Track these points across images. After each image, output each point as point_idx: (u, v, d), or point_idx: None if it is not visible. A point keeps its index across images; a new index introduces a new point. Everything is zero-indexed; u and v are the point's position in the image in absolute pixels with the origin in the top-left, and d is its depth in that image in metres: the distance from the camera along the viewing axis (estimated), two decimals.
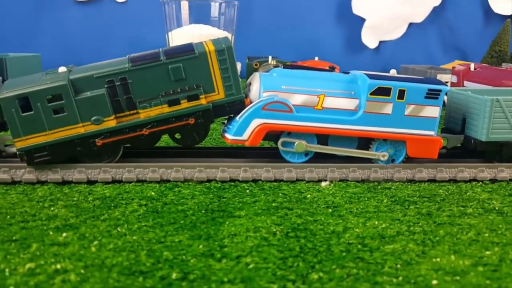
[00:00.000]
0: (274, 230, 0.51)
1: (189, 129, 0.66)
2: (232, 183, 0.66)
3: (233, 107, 0.67)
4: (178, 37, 1.15)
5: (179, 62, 0.64)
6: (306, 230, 0.51)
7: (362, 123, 0.68)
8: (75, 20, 1.84)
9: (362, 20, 1.90)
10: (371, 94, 0.67)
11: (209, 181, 0.67)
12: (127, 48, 1.86)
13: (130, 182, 0.65)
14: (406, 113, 0.68)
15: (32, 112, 0.60)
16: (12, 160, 0.66)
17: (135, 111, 0.64)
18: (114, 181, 0.65)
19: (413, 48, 1.97)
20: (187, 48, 0.65)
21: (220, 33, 1.15)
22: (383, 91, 0.67)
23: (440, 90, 0.68)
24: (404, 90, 0.67)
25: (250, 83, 0.71)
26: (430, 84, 0.68)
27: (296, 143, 0.68)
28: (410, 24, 1.94)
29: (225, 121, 0.73)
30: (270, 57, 1.28)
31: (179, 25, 1.14)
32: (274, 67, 1.11)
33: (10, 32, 1.81)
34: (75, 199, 0.59)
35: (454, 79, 1.29)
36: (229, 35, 1.17)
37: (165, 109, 0.64)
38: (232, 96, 0.67)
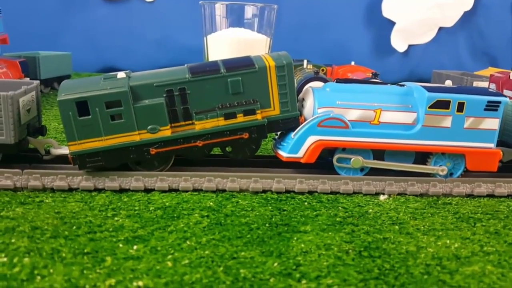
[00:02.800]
0: (346, 248, 0.50)
1: (242, 143, 0.65)
2: (289, 195, 0.65)
3: (287, 123, 0.66)
4: (216, 40, 1.14)
5: (239, 75, 0.63)
6: (379, 249, 0.50)
7: (421, 137, 0.66)
8: (103, 19, 1.84)
9: (392, 23, 1.88)
10: (429, 107, 0.66)
11: (264, 191, 0.66)
12: (155, 47, 1.87)
13: (187, 191, 0.64)
14: (465, 126, 0.67)
15: (89, 117, 0.60)
16: (66, 166, 0.66)
17: (190, 121, 0.63)
18: (170, 190, 0.64)
19: (442, 53, 1.94)
20: (248, 62, 0.64)
21: (259, 37, 1.14)
22: (442, 104, 0.66)
23: (499, 102, 0.66)
24: (464, 103, 0.66)
25: (303, 99, 0.69)
26: (489, 95, 0.67)
27: (352, 159, 0.66)
28: (440, 29, 1.92)
29: (276, 136, 0.71)
30: (305, 61, 1.26)
31: (217, 28, 1.13)
32: (314, 72, 1.10)
33: (39, 29, 1.81)
34: (136, 208, 0.58)
35: (493, 87, 1.26)
36: (267, 39, 1.16)
37: (220, 122, 0.63)
38: (288, 113, 0.65)
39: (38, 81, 0.70)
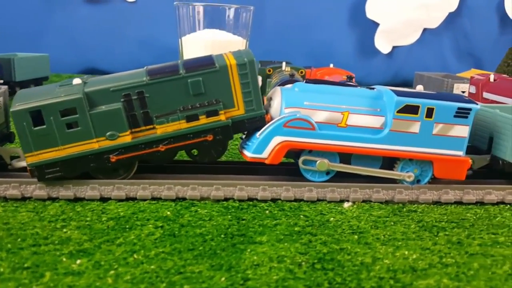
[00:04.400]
0: (299, 260, 0.48)
1: (207, 145, 0.63)
2: (251, 203, 0.63)
3: (253, 123, 0.64)
4: (191, 42, 1.12)
5: (199, 76, 0.61)
6: (333, 261, 0.48)
7: (388, 142, 0.65)
8: (85, 19, 1.81)
9: (376, 24, 1.86)
10: (398, 112, 0.64)
11: (226, 199, 0.64)
12: (137, 47, 1.84)
13: (145, 200, 0.62)
14: (434, 132, 0.65)
15: (44, 126, 0.58)
16: (22, 174, 0.64)
17: (151, 126, 0.62)
18: (128, 199, 0.62)
19: (427, 54, 1.93)
20: (208, 61, 0.62)
21: (235, 39, 1.12)
22: (410, 109, 0.64)
23: (470, 109, 0.65)
24: (433, 109, 0.64)
25: (271, 98, 0.68)
26: (460, 102, 0.65)
27: (318, 161, 0.65)
28: (425, 30, 1.90)
29: (243, 136, 0.70)
30: (284, 63, 1.25)
31: (192, 29, 1.11)
32: (290, 75, 1.08)
33: (19, 30, 1.79)
34: (88, 219, 0.56)
35: (473, 89, 1.25)
36: (243, 41, 1.14)
37: (182, 125, 0.62)
38: (253, 112, 0.64)
39: (6, 87, 0.68)
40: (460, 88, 1.37)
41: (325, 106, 0.65)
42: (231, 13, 1.10)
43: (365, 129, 0.65)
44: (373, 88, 0.69)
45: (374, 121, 0.65)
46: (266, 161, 0.64)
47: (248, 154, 0.64)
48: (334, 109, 0.65)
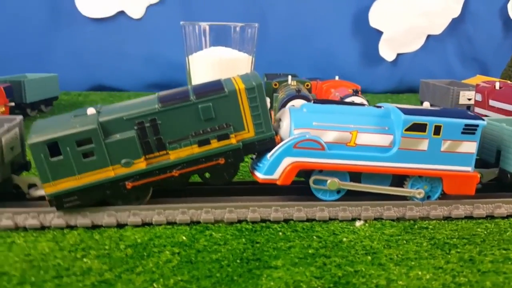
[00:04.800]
0: (315, 285, 0.49)
1: (219, 168, 0.65)
2: (264, 224, 0.65)
3: (263, 144, 0.66)
4: (198, 60, 1.13)
5: (209, 101, 0.63)
6: (349, 285, 0.49)
7: (397, 160, 0.66)
8: (91, 37, 1.84)
9: (379, 32, 1.88)
10: (406, 130, 0.65)
11: (239, 221, 0.65)
12: (143, 64, 1.87)
13: (160, 225, 0.64)
14: (442, 149, 0.66)
15: (61, 157, 0.59)
16: (40, 203, 0.65)
17: (164, 151, 0.63)
18: (144, 224, 0.64)
19: (431, 61, 1.94)
20: (217, 87, 0.64)
21: (241, 56, 1.14)
22: (418, 127, 0.65)
23: (477, 125, 0.66)
24: (440, 126, 0.65)
25: (280, 119, 0.69)
26: (467, 119, 0.66)
27: (328, 181, 0.66)
28: (428, 36, 1.92)
29: (253, 157, 0.71)
30: (289, 77, 1.26)
31: (199, 48, 1.13)
32: (297, 90, 1.09)
33: (26, 50, 1.82)
34: (106, 247, 0.57)
35: (479, 97, 1.26)
36: (249, 57, 1.16)
37: (195, 150, 0.63)
38: (262, 134, 0.65)
39: (21, 117, 0.70)
40: (466, 96, 1.38)
41: (334, 126, 0.66)
42: (236, 31, 1.12)
43: (374, 148, 0.66)
44: (380, 107, 0.70)
45: (382, 140, 0.66)
46: (278, 182, 0.65)
47: (260, 175, 0.65)
48: (342, 128, 0.66)
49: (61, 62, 1.83)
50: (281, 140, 0.66)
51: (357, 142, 0.66)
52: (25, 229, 0.62)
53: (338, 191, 0.67)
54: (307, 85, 1.26)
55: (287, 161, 0.64)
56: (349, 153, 0.65)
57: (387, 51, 1.90)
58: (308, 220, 0.66)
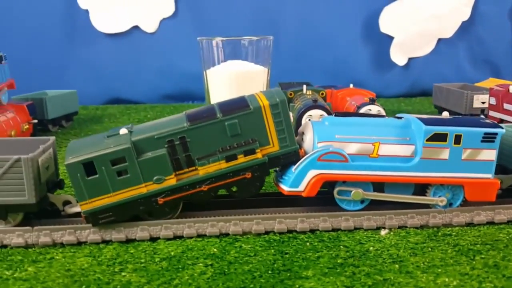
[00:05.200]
0: None
1: (246, 182, 0.67)
2: (291, 235, 0.67)
3: (288, 158, 0.68)
4: (215, 74, 1.16)
5: (235, 118, 0.65)
6: None
7: (419, 170, 0.67)
8: (106, 52, 1.88)
9: (390, 38, 1.89)
10: (427, 140, 0.67)
11: (267, 232, 0.67)
12: (158, 76, 1.91)
13: (191, 238, 0.66)
14: (463, 157, 0.68)
15: (96, 176, 0.62)
16: (74, 220, 0.68)
17: (193, 167, 0.66)
18: (175, 237, 0.66)
19: (443, 64, 1.95)
20: (242, 104, 0.66)
21: (257, 68, 1.16)
22: (439, 137, 0.67)
23: (496, 134, 0.68)
24: (461, 135, 0.67)
25: (303, 133, 0.71)
26: (486, 127, 0.68)
27: (352, 192, 0.68)
28: (439, 40, 1.93)
29: (277, 169, 0.73)
30: (304, 86, 1.28)
31: (216, 62, 1.16)
32: (313, 100, 1.11)
33: (44, 66, 1.86)
34: (142, 260, 0.60)
35: (493, 101, 1.27)
36: (265, 69, 1.19)
37: (222, 165, 0.65)
38: (287, 148, 0.67)
39: (53, 138, 0.72)
40: (480, 99, 1.39)
41: (356, 138, 0.68)
42: (252, 44, 1.15)
43: (397, 158, 0.68)
44: (400, 117, 0.72)
45: (404, 150, 0.68)
46: (303, 194, 0.67)
47: (285, 188, 0.67)
48: (365, 140, 0.68)
49: (77, 77, 1.88)
50: (305, 153, 0.69)
51: (379, 153, 0.68)
52: (62, 245, 0.65)
53: (362, 201, 0.69)
54: (322, 94, 1.27)
55: (311, 173, 0.67)
56: (372, 164, 0.67)
57: (399, 56, 1.91)
58: (333, 230, 0.68)
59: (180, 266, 0.58)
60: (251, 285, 0.53)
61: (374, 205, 0.70)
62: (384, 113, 1.05)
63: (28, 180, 0.63)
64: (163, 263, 0.59)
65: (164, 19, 1.87)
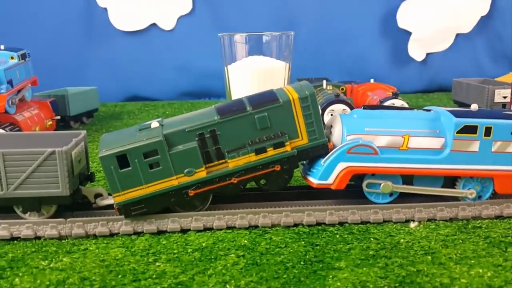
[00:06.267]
0: (382, 285, 0.51)
1: (275, 175, 0.67)
2: (320, 227, 0.67)
3: (316, 151, 0.68)
4: (237, 70, 1.17)
5: (265, 111, 0.65)
6: (414, 284, 0.51)
7: (449, 162, 0.67)
8: (125, 50, 1.89)
9: (408, 33, 1.88)
10: (457, 132, 0.67)
11: (296, 225, 0.68)
12: (176, 74, 1.92)
13: (221, 230, 0.67)
14: (493, 149, 0.67)
15: (130, 168, 0.63)
16: (106, 212, 0.69)
17: (223, 160, 0.66)
18: (205, 229, 0.67)
19: (461, 59, 1.93)
20: (272, 97, 0.66)
21: (278, 64, 1.17)
22: (469, 129, 0.67)
23: None
24: (491, 128, 0.67)
25: (331, 125, 0.71)
26: None
27: (382, 184, 0.68)
28: (458, 35, 1.91)
29: (304, 163, 0.73)
30: (324, 82, 1.28)
31: (237, 58, 1.16)
32: (335, 95, 1.11)
33: (64, 63, 1.88)
34: (175, 251, 0.60)
35: None
36: (286, 65, 1.19)
37: (252, 158, 0.66)
38: (316, 141, 0.68)
39: (85, 132, 0.74)
40: (501, 94, 1.37)
41: (386, 131, 0.68)
42: (273, 40, 1.15)
43: (426, 151, 0.67)
44: (429, 110, 0.72)
45: (434, 143, 0.68)
46: (332, 187, 0.67)
47: (314, 181, 0.68)
48: (394, 133, 0.68)
49: (96, 74, 1.89)
50: (334, 146, 0.69)
51: (409, 145, 0.68)
52: (95, 236, 0.66)
53: (391, 194, 0.69)
54: (342, 89, 1.28)
55: (341, 166, 0.67)
56: (402, 156, 0.67)
57: (417, 51, 1.90)
58: (362, 222, 0.68)
59: (212, 257, 0.59)
60: (284, 276, 0.54)
61: (401, 198, 0.69)
62: (400, 106, 1.05)
63: (62, 172, 0.64)
64: (196, 254, 0.60)
65: (181, 16, 1.88)
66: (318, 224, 0.68)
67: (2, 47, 1.22)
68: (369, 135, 0.68)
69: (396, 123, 0.68)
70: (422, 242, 0.61)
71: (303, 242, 0.62)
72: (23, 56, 1.22)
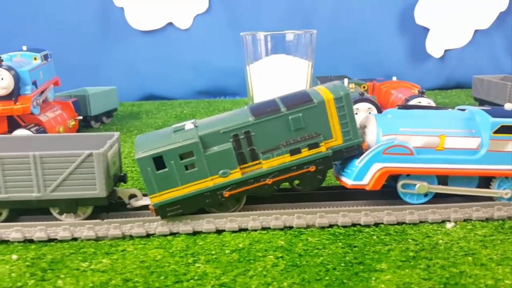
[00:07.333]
0: (426, 286, 0.51)
1: (309, 176, 0.67)
2: (355, 228, 0.67)
3: (351, 151, 0.68)
4: (259, 69, 1.16)
5: (299, 112, 0.65)
6: (458, 285, 0.51)
7: (485, 162, 0.67)
8: (141, 49, 1.90)
9: (426, 29, 1.87)
10: (494, 132, 0.66)
11: (331, 226, 0.67)
12: (192, 72, 1.92)
13: (255, 230, 0.67)
14: None
15: (166, 169, 0.63)
16: (142, 213, 0.69)
17: (258, 161, 0.66)
18: (240, 230, 0.67)
19: (480, 56, 1.91)
20: (306, 98, 0.66)
21: (300, 62, 1.16)
22: (506, 129, 0.66)
23: None
24: None
25: (364, 126, 0.71)
26: None
27: (417, 185, 0.67)
28: (476, 31, 1.89)
29: (337, 163, 0.73)
30: (346, 80, 1.27)
31: (259, 57, 1.16)
32: (360, 94, 1.11)
33: (82, 63, 1.89)
34: (213, 252, 0.61)
35: None
36: (309, 63, 1.18)
37: (286, 159, 0.66)
38: (350, 141, 0.67)
39: (118, 133, 0.74)
40: None
41: (421, 131, 0.67)
42: (295, 38, 1.15)
43: (463, 151, 0.67)
44: (463, 110, 0.71)
45: (470, 143, 0.67)
46: (367, 188, 0.67)
47: (349, 181, 0.68)
48: (430, 133, 0.67)
49: (113, 74, 1.90)
50: (369, 147, 0.68)
51: (445, 146, 0.67)
52: (131, 237, 0.66)
53: (426, 194, 0.69)
54: (364, 87, 1.27)
55: (376, 166, 0.66)
56: (438, 157, 0.67)
57: (435, 48, 1.88)
58: (398, 223, 0.67)
59: (251, 258, 0.59)
60: (326, 277, 0.54)
61: (435, 198, 0.69)
62: (434, 106, 1.04)
63: (99, 174, 0.64)
64: (234, 255, 0.60)
65: (198, 15, 1.88)
66: (353, 225, 0.67)
67: (25, 48, 1.23)
68: (404, 135, 0.67)
69: (432, 123, 0.68)
70: (460, 242, 0.61)
71: (340, 244, 0.62)
72: (45, 57, 1.23)
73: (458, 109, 0.71)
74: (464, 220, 0.68)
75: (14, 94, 1.05)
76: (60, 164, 0.64)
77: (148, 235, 0.66)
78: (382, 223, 0.67)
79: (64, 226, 0.65)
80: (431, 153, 0.67)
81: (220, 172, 0.65)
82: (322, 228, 0.67)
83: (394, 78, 1.29)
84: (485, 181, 0.69)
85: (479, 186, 0.69)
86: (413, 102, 1.04)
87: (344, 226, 0.67)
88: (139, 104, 1.85)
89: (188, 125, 0.66)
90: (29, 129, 1.06)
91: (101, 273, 0.56)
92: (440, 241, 0.62)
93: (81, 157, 0.64)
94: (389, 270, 0.55)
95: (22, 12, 1.86)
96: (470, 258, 0.57)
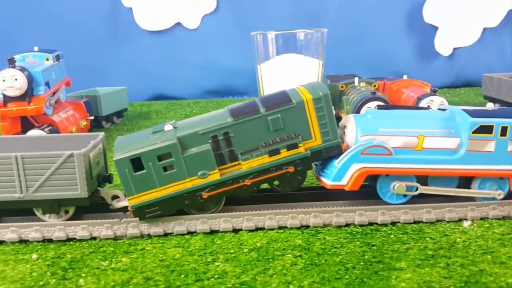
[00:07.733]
0: (447, 285, 0.51)
1: (288, 176, 0.67)
2: (372, 227, 0.67)
3: (330, 152, 0.68)
4: (269, 68, 1.17)
5: (278, 113, 0.65)
6: (479, 284, 0.51)
7: (465, 162, 0.67)
8: (149, 49, 1.90)
9: (435, 28, 1.86)
10: (473, 132, 0.66)
11: (347, 225, 0.68)
12: (200, 72, 1.92)
13: (272, 229, 0.67)
14: (509, 149, 0.67)
15: (144, 171, 0.63)
16: (120, 215, 0.69)
17: (237, 162, 0.66)
18: (257, 229, 0.67)
19: (488, 54, 1.91)
20: (285, 98, 0.66)
21: (311, 61, 1.16)
22: (485, 129, 0.66)
23: None
24: (507, 127, 0.66)
25: (344, 126, 0.71)
26: None
27: (396, 185, 0.67)
28: (485, 29, 1.89)
29: (318, 163, 0.73)
30: (356, 78, 1.27)
31: (270, 56, 1.16)
32: (372, 92, 1.11)
33: (90, 63, 1.89)
34: (231, 251, 0.61)
35: None
36: (319, 62, 1.18)
37: (265, 159, 0.66)
38: (329, 142, 0.67)
39: (103, 133, 0.74)
40: None
41: (400, 131, 0.67)
42: (306, 37, 1.15)
43: (441, 151, 0.67)
44: (444, 110, 0.71)
45: (449, 143, 0.67)
46: (346, 188, 0.67)
47: (328, 182, 0.68)
48: (409, 133, 0.67)
49: (121, 74, 1.91)
50: (348, 147, 0.68)
51: (424, 146, 0.67)
52: (149, 236, 0.66)
53: (405, 194, 0.69)
54: (375, 86, 1.26)
55: (355, 167, 0.66)
56: (416, 157, 0.67)
57: (443, 46, 1.88)
58: (415, 222, 0.67)
59: (269, 257, 0.59)
60: (346, 276, 0.54)
61: (416, 198, 0.69)
62: (446, 104, 1.04)
63: (81, 174, 0.64)
64: (252, 254, 0.60)
65: (206, 15, 1.88)
66: (370, 224, 0.68)
67: (36, 48, 1.23)
68: (383, 135, 0.67)
69: (411, 123, 0.68)
70: (478, 241, 0.61)
71: (358, 242, 0.62)
72: (57, 58, 1.24)
73: (439, 109, 0.71)
74: (481, 219, 0.68)
75: (28, 95, 1.06)
76: (41, 165, 0.65)
77: (166, 234, 0.67)
78: (399, 222, 0.67)
79: (83, 226, 0.66)
80: (410, 153, 0.67)
81: (199, 173, 0.65)
82: (339, 227, 0.67)
83: (405, 77, 1.29)
84: (465, 181, 0.69)
85: (459, 186, 0.69)
86: (425, 100, 1.04)
87: (361, 225, 0.67)
88: (149, 104, 1.85)
89: (167, 126, 0.66)
90: (42, 129, 1.07)
91: (122, 272, 0.56)
92: (458, 239, 0.62)
93: (62, 158, 0.64)
94: (409, 269, 0.55)
95: (31, 13, 1.87)
96: (489, 256, 0.57)
